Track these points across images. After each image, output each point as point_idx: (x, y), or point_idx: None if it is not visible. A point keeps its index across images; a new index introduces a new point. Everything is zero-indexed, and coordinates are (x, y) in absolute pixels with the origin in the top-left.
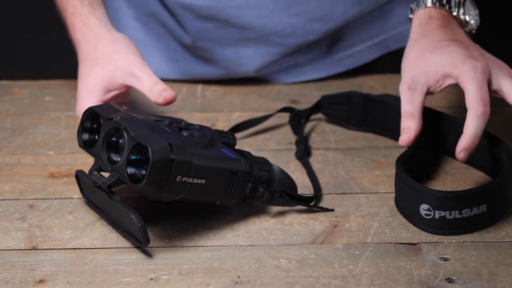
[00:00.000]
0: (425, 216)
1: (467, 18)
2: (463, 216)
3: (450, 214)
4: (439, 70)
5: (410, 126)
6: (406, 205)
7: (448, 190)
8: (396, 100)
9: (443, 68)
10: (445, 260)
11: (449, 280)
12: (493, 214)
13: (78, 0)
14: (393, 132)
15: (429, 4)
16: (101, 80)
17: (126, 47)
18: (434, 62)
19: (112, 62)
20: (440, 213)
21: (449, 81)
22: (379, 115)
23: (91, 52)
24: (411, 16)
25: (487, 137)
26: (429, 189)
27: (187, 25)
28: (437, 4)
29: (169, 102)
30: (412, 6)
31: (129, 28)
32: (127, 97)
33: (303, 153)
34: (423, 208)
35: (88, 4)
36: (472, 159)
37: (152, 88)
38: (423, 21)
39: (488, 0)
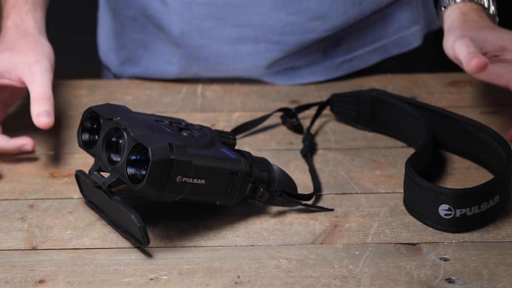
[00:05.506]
0: (444, 217)
1: (494, 12)
2: (481, 210)
3: (470, 211)
4: (499, 42)
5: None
6: (421, 207)
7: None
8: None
9: (503, 41)
10: (445, 260)
11: (449, 280)
12: (503, 204)
13: None
14: (400, 133)
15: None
16: (2, 62)
17: (46, 52)
18: (493, 35)
19: (23, 55)
20: (461, 211)
21: (506, 55)
22: (386, 116)
23: (12, 42)
24: (443, 10)
25: (490, 134)
26: (449, 189)
27: (185, 23)
28: None
29: (41, 127)
30: (442, 4)
31: (128, 29)
32: (12, 99)
33: (307, 150)
34: (443, 209)
35: (31, 3)
36: (475, 154)
37: (39, 100)
38: (464, 10)
39: None
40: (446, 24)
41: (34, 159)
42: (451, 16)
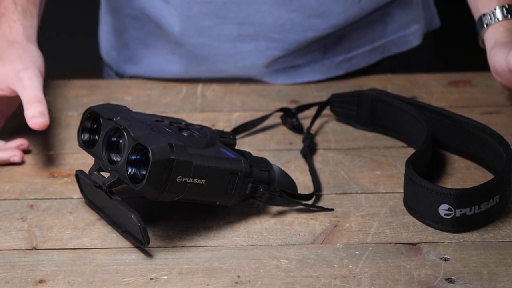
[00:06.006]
0: (444, 216)
1: None
2: (481, 210)
3: (470, 210)
4: None
5: None
6: (421, 207)
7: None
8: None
9: None
10: (445, 260)
11: (449, 280)
12: (503, 204)
13: (12, 3)
14: (400, 133)
15: (501, 17)
16: None
17: (33, 58)
18: None
19: (11, 63)
20: (461, 211)
21: None
22: (386, 116)
23: (0, 50)
24: (485, 28)
25: (490, 134)
26: (449, 189)
27: (185, 22)
28: (509, 16)
29: (37, 129)
30: (485, 22)
31: (129, 28)
32: (9, 109)
33: (307, 150)
34: (443, 208)
35: (21, 11)
36: (475, 154)
37: (31, 104)
38: (509, 27)
39: None
40: (491, 41)
41: (34, 159)
42: (495, 33)
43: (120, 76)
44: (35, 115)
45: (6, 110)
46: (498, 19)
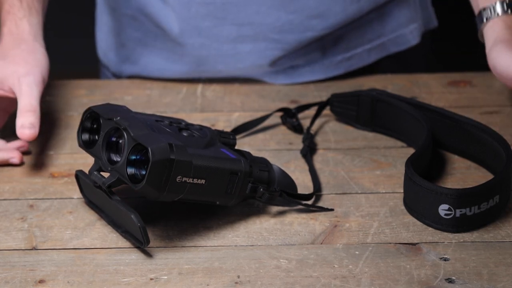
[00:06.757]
0: (444, 216)
1: None
2: (481, 210)
3: (470, 211)
4: None
5: None
6: (421, 207)
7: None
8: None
9: None
10: (445, 260)
11: (449, 280)
12: (503, 204)
13: (17, 0)
14: (400, 133)
15: (501, 12)
16: None
17: (38, 61)
18: None
19: (15, 65)
20: (461, 211)
21: None
22: (386, 116)
23: (5, 50)
24: (485, 22)
25: (490, 134)
26: (449, 189)
27: (184, 22)
28: (509, 11)
29: (24, 139)
30: (484, 16)
31: (127, 28)
32: (12, 107)
33: (307, 150)
34: (443, 209)
35: (26, 8)
36: (475, 154)
37: (24, 113)
38: (509, 23)
39: None
40: (491, 37)
41: (34, 159)
42: (495, 29)
43: (118, 77)
44: (25, 125)
45: (10, 106)
46: (498, 13)
